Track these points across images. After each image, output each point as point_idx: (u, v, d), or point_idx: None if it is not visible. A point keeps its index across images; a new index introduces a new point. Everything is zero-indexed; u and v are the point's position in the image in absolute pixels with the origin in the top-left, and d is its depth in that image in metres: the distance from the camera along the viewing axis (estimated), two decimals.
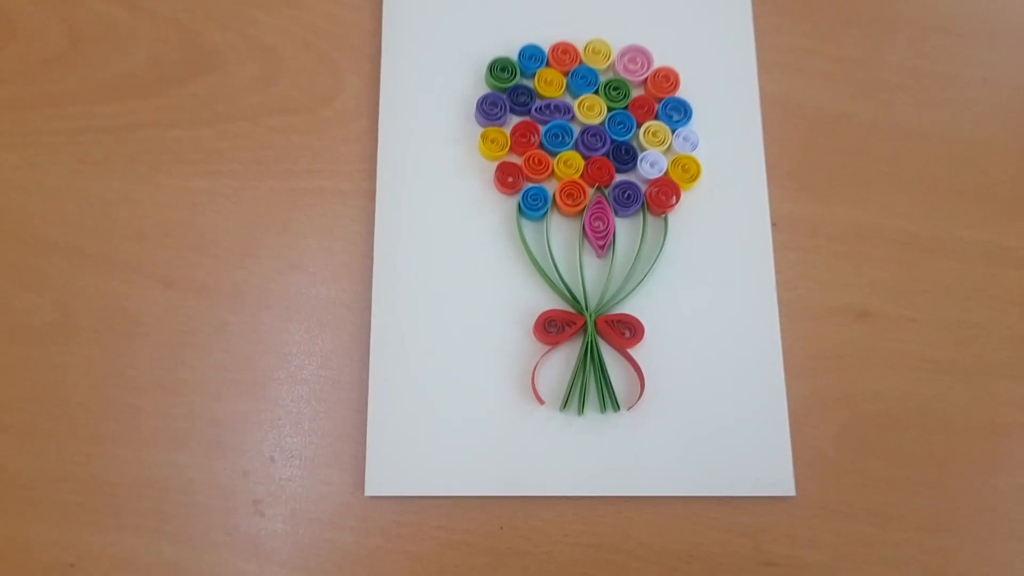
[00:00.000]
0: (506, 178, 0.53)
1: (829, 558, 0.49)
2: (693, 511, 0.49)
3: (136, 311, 0.51)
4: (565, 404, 0.50)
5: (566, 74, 0.55)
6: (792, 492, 0.50)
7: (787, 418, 0.51)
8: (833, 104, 0.57)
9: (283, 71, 0.56)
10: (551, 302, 0.52)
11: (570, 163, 0.53)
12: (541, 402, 0.50)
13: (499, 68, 0.54)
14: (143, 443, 0.49)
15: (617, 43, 0.56)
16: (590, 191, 0.53)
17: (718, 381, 0.51)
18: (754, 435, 0.50)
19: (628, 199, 0.53)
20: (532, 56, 0.55)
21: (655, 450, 0.50)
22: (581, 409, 0.50)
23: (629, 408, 0.50)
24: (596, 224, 0.52)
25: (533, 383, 0.50)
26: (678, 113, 0.55)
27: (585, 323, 0.51)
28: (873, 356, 0.52)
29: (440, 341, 0.51)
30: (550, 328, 0.51)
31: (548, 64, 0.55)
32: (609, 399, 0.50)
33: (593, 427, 0.50)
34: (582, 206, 0.52)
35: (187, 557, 0.48)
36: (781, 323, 0.52)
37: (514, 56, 0.55)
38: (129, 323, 0.51)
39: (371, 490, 0.48)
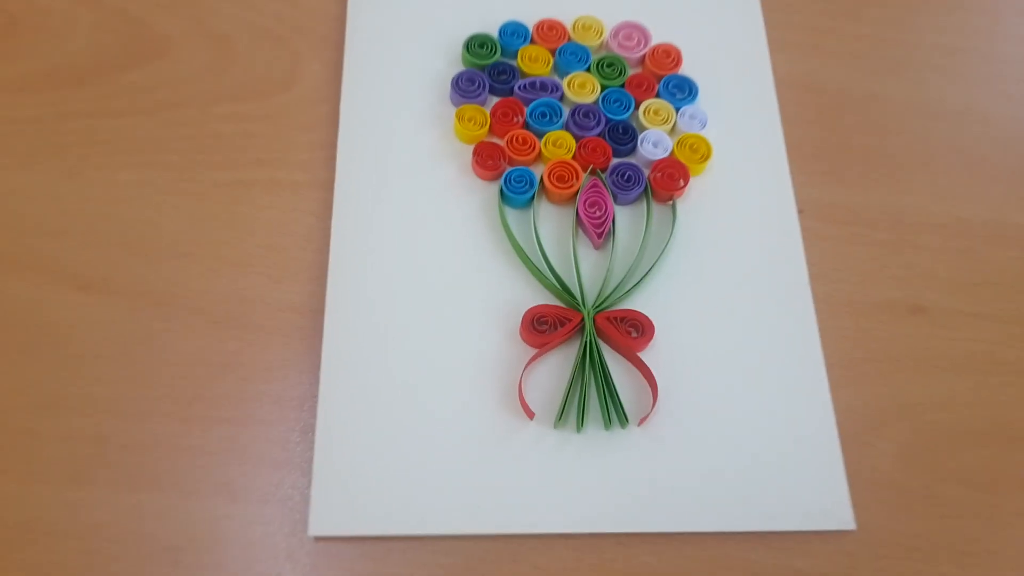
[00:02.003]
0: (486, 159, 0.45)
1: None
2: (726, 552, 0.39)
3: (43, 319, 0.42)
4: (560, 418, 0.40)
5: (553, 52, 0.49)
6: (851, 525, 0.39)
7: (836, 434, 0.41)
8: (857, 84, 0.50)
9: (236, 58, 0.50)
10: (541, 299, 0.43)
11: (560, 143, 0.46)
12: (531, 416, 0.41)
13: (477, 44, 0.48)
14: (36, 476, 0.39)
15: (609, 21, 0.50)
16: (584, 174, 0.46)
17: (748, 390, 0.42)
18: (797, 455, 0.40)
19: (628, 182, 0.45)
20: (514, 33, 0.49)
21: (675, 475, 0.40)
22: (581, 424, 0.40)
23: (640, 423, 0.41)
24: (592, 210, 0.45)
25: (520, 393, 0.41)
26: (681, 91, 0.48)
27: (582, 320, 0.42)
28: (934, 358, 0.43)
29: (406, 348, 0.42)
30: (540, 326, 0.42)
31: (532, 41, 0.49)
32: (615, 411, 0.41)
33: (596, 447, 0.40)
34: (574, 189, 0.45)
35: None
36: (819, 321, 0.44)
37: (493, 34, 0.49)
38: (34, 332, 0.42)
39: (316, 529, 0.38)
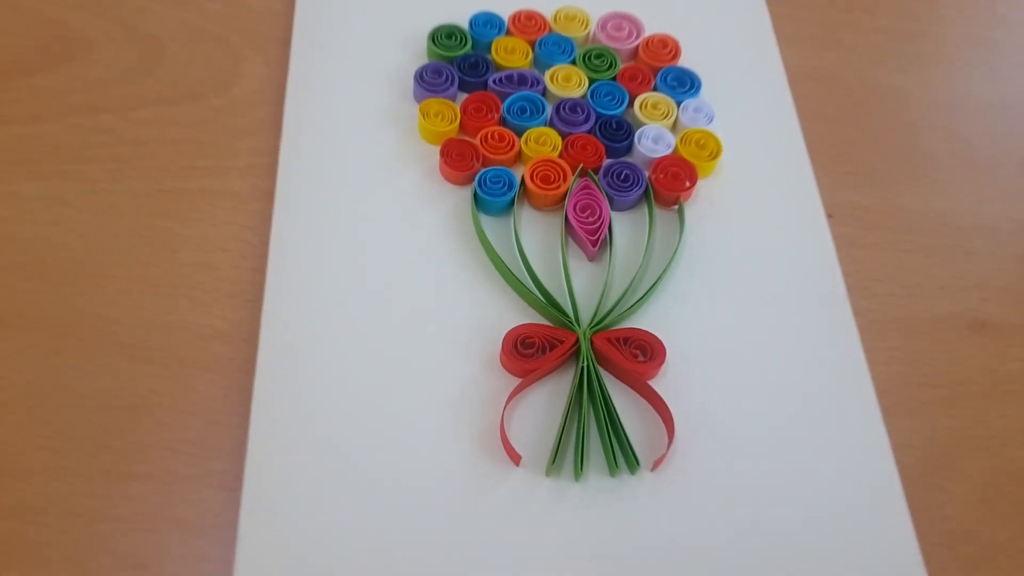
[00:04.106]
0: (456, 159, 0.38)
1: None
2: None
3: None
4: (554, 463, 0.32)
5: (532, 44, 0.42)
6: None
7: (897, 477, 0.33)
8: (880, 78, 0.45)
9: (167, 59, 0.43)
10: (525, 319, 0.36)
11: (543, 140, 0.39)
12: (517, 461, 0.32)
13: (444, 35, 0.42)
14: None
15: (594, 13, 0.44)
16: (572, 174, 0.39)
17: (784, 424, 0.34)
18: (850, 502, 0.32)
19: (626, 182, 0.38)
20: (487, 23, 0.42)
21: (698, 531, 0.31)
22: (580, 470, 0.32)
23: (653, 467, 0.33)
24: (584, 215, 0.37)
25: (503, 433, 0.33)
26: (682, 85, 0.42)
27: (577, 342, 0.35)
28: (1006, 382, 0.36)
29: (359, 384, 0.34)
30: (525, 349, 0.34)
31: (508, 33, 0.43)
32: (622, 453, 0.33)
33: (600, 498, 0.32)
34: (562, 190, 0.38)
35: None
36: (862, 341, 0.36)
37: (463, 25, 0.43)
38: None
39: None
